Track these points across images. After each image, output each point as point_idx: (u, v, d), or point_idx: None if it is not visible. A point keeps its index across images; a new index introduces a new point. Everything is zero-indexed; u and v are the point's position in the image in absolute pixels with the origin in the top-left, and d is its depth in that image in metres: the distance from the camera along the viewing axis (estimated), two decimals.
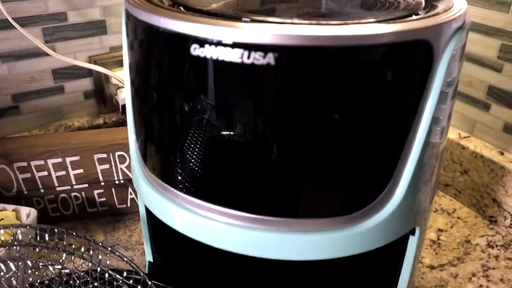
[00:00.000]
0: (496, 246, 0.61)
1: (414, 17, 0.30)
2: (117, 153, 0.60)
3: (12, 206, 0.57)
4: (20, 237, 0.37)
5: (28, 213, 0.57)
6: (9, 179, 0.59)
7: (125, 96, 0.38)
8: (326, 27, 0.26)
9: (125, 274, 0.36)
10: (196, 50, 0.27)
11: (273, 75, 0.26)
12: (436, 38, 0.29)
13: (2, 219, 0.54)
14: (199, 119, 0.31)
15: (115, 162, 0.61)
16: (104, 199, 0.64)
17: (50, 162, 0.59)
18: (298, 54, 0.26)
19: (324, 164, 0.30)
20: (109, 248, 0.36)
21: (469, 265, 0.58)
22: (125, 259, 0.36)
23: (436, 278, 0.56)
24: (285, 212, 0.31)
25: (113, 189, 0.63)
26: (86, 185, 0.62)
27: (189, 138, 0.32)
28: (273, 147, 0.30)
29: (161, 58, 0.30)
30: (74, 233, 0.36)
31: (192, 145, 0.32)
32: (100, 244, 0.36)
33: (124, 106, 0.70)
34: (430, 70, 0.30)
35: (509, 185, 0.61)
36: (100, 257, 0.36)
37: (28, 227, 0.37)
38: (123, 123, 0.73)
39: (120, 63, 0.70)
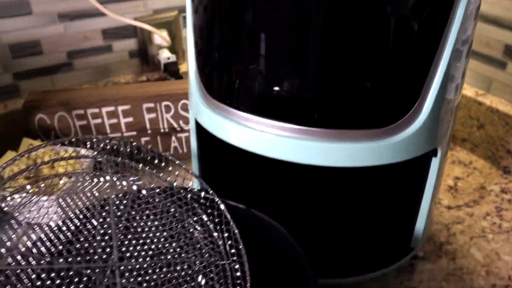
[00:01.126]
0: (510, 191, 0.66)
1: None
2: (163, 103, 0.67)
3: (72, 148, 0.64)
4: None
5: (86, 154, 0.64)
6: (67, 125, 0.66)
7: (187, 33, 0.44)
8: None
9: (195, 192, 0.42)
10: None
11: None
12: None
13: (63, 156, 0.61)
14: (253, 43, 0.37)
15: (161, 111, 0.67)
16: (150, 146, 0.70)
17: (104, 110, 0.66)
18: None
19: (364, 81, 0.36)
20: (183, 166, 0.42)
21: (484, 206, 0.63)
22: (197, 176, 0.42)
23: (453, 216, 0.61)
24: (330, 124, 0.37)
25: (158, 137, 0.70)
26: (135, 133, 0.69)
27: (245, 60, 0.38)
28: (318, 63, 0.36)
29: None
30: (154, 151, 0.43)
31: (248, 67, 0.39)
32: (177, 162, 0.42)
33: (165, 65, 0.77)
34: (447, 22, 0.35)
35: None
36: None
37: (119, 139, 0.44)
38: (164, 80, 0.79)
39: (161, 25, 0.76)
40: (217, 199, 0.41)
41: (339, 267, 0.48)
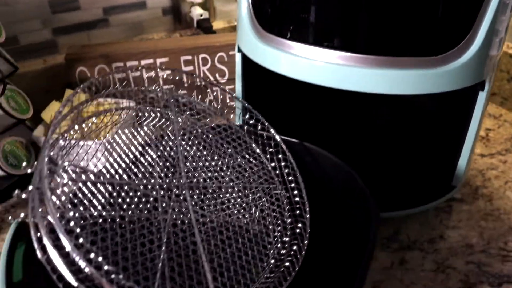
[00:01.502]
0: None
1: None
2: (201, 56, 0.68)
3: (113, 100, 0.66)
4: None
5: (127, 105, 0.65)
6: (107, 78, 0.68)
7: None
8: None
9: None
10: None
11: None
12: None
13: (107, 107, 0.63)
14: None
15: (198, 64, 0.69)
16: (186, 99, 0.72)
17: (143, 62, 0.67)
18: None
19: (419, 10, 0.37)
20: (247, 104, 0.44)
21: None
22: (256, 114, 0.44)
23: (487, 163, 0.63)
24: (388, 51, 0.38)
25: (194, 90, 0.71)
26: (172, 86, 0.70)
27: None
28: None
29: None
30: (227, 90, 0.44)
31: (301, 4, 0.40)
32: (240, 99, 0.44)
33: (198, 22, 0.78)
34: None
35: None
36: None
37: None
38: None
39: None
40: (272, 131, 0.43)
41: (384, 201, 0.49)
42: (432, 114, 0.48)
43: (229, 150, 0.44)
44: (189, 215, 0.35)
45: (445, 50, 0.39)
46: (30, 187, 0.31)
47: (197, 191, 0.38)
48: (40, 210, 0.31)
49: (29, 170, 0.32)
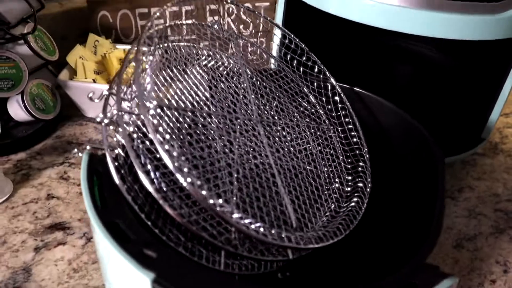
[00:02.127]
0: None
1: None
2: (226, 5, 0.66)
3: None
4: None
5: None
6: (130, 24, 0.66)
7: None
8: None
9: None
10: None
11: None
12: None
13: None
14: None
15: (223, 14, 0.67)
16: (210, 52, 0.70)
17: (167, 10, 0.65)
18: None
19: None
20: (304, 46, 0.43)
21: None
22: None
23: (503, 122, 0.66)
24: None
25: (217, 42, 0.70)
26: (195, 36, 0.69)
27: None
28: None
29: None
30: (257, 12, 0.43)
31: None
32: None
33: None
34: None
35: None
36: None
37: None
38: None
39: None
40: (328, 73, 0.43)
41: None
42: (474, 64, 0.50)
43: (288, 92, 0.44)
44: (263, 151, 0.35)
45: None
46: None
47: (268, 127, 0.38)
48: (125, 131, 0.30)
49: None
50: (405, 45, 0.44)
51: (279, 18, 0.53)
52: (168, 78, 0.36)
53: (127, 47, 0.63)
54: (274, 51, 0.48)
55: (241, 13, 0.44)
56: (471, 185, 0.54)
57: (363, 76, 0.50)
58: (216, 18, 0.44)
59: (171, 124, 0.32)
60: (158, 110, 0.29)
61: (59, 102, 0.58)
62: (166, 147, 0.27)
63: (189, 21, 0.42)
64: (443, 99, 0.53)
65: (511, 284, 0.43)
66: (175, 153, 0.27)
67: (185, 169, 0.26)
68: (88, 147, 0.34)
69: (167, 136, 0.28)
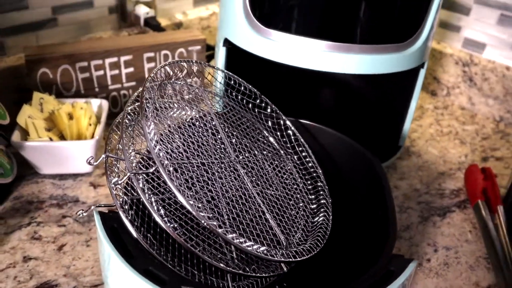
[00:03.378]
0: (439, 108, 0.86)
1: None
2: (162, 52, 0.72)
3: (83, 100, 0.66)
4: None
5: (99, 104, 0.66)
6: (70, 79, 0.68)
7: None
8: None
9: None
10: None
11: None
12: None
13: (82, 108, 0.64)
14: None
15: (160, 60, 0.72)
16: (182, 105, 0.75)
17: (107, 61, 0.69)
18: None
19: (387, 14, 0.49)
20: (256, 91, 0.50)
21: (427, 119, 0.82)
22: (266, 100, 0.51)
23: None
24: (359, 40, 0.49)
25: (153, 71, 0.75)
26: (134, 83, 0.73)
27: None
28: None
29: None
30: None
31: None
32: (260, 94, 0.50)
33: (145, 20, 0.80)
34: None
35: (445, 65, 0.86)
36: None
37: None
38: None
39: None
40: (279, 112, 0.51)
41: None
42: (387, 89, 0.61)
43: (249, 131, 0.50)
44: (244, 181, 0.42)
45: (407, 38, 0.52)
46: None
47: (244, 165, 0.45)
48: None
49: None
50: (334, 77, 0.53)
51: (220, 62, 0.60)
52: (164, 134, 0.40)
53: (72, 100, 0.65)
54: (232, 98, 0.55)
55: (205, 70, 0.50)
56: (396, 185, 0.66)
57: (303, 106, 0.59)
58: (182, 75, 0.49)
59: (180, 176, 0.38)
60: (171, 169, 0.34)
61: (15, 164, 0.58)
62: (184, 196, 0.32)
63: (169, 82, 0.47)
64: (368, 118, 0.64)
65: (441, 259, 0.54)
66: (192, 202, 0.32)
67: (205, 214, 0.32)
68: (93, 207, 0.37)
69: (183, 188, 0.33)
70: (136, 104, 0.45)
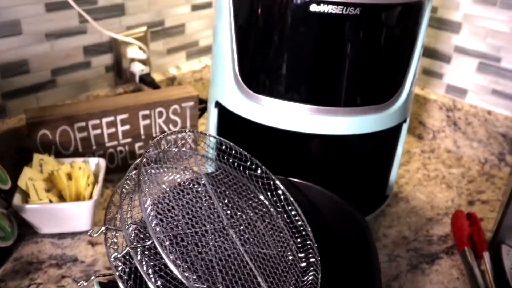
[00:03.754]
0: (426, 151, 0.89)
1: None
2: (157, 110, 0.75)
3: (81, 159, 0.69)
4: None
5: (97, 163, 0.69)
6: (69, 138, 0.71)
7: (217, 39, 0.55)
8: None
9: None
10: (313, 8, 0.46)
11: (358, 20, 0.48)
12: (425, 2, 0.53)
13: (80, 167, 0.66)
14: (291, 52, 0.51)
15: (155, 117, 0.75)
16: (142, 151, 0.78)
17: (104, 120, 0.72)
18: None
19: (369, 78, 0.52)
20: (247, 154, 0.53)
21: (414, 164, 0.85)
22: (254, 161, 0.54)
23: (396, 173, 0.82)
24: (343, 103, 0.53)
25: (150, 142, 0.77)
26: (130, 140, 0.76)
27: (283, 65, 0.52)
28: (335, 68, 0.51)
29: (279, 14, 0.49)
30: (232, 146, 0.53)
31: (284, 70, 0.52)
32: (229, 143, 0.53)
33: (140, 77, 0.84)
34: (421, 22, 0.54)
35: (430, 110, 0.89)
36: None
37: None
38: (139, 91, 0.86)
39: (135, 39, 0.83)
40: (269, 173, 0.53)
41: None
42: (372, 143, 0.64)
43: (240, 192, 0.53)
44: (236, 246, 0.44)
45: (388, 99, 0.55)
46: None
47: (235, 228, 0.47)
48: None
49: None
50: (321, 135, 0.56)
51: (212, 122, 0.63)
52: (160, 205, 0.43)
53: (71, 160, 0.68)
54: (224, 161, 0.58)
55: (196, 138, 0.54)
56: (386, 233, 0.68)
57: (292, 164, 0.62)
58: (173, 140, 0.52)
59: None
60: (167, 243, 0.36)
61: (16, 226, 0.60)
62: (179, 269, 0.35)
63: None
64: (355, 171, 0.67)
65: None
66: (187, 274, 0.35)
67: (200, 286, 0.34)
68: (93, 278, 0.39)
69: (178, 262, 0.35)
70: (133, 172, 0.48)
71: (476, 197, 0.77)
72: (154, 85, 0.83)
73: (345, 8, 0.46)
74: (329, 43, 0.50)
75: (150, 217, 0.38)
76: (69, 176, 0.65)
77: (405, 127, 0.61)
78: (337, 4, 0.46)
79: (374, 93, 0.54)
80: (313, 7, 0.46)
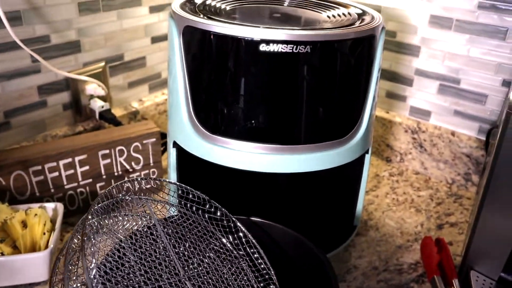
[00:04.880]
0: (395, 175, 0.89)
1: (363, 23, 0.53)
2: (117, 148, 0.73)
3: (37, 205, 0.66)
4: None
5: (54, 208, 0.66)
6: (24, 183, 0.67)
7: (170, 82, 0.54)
8: (331, 31, 0.47)
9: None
10: (263, 47, 0.45)
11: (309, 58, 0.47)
12: (377, 33, 0.52)
13: (36, 214, 0.63)
14: (245, 94, 0.50)
15: (115, 156, 0.73)
16: (104, 190, 0.75)
17: (61, 163, 0.69)
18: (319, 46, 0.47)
19: (325, 113, 0.52)
20: (205, 196, 0.51)
21: (383, 189, 0.84)
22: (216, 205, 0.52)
23: (366, 199, 0.81)
24: (302, 141, 0.52)
25: (112, 181, 0.75)
26: (91, 180, 0.73)
27: (237, 105, 0.50)
28: (291, 105, 0.50)
29: (230, 54, 0.48)
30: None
31: (238, 110, 0.51)
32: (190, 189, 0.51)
33: (100, 113, 0.82)
34: (375, 53, 0.53)
35: (396, 133, 0.90)
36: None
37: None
38: (99, 128, 0.84)
39: (92, 76, 0.81)
40: (229, 215, 0.52)
41: None
42: (335, 176, 0.63)
43: (199, 235, 0.51)
44: None
45: (347, 133, 0.54)
46: None
47: (192, 278, 0.45)
48: None
49: None
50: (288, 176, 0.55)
51: (172, 162, 0.61)
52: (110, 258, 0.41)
53: (26, 206, 0.65)
54: (182, 206, 0.56)
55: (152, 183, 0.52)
56: (355, 264, 0.67)
57: (255, 203, 0.60)
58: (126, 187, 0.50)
59: None
60: None
61: None
62: None
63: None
64: (320, 205, 0.66)
65: None
66: None
67: None
68: None
69: None
70: (81, 226, 0.46)
71: (444, 219, 0.77)
72: (115, 121, 0.81)
73: (295, 46, 0.45)
74: (282, 81, 0.49)
75: (95, 282, 0.35)
76: (24, 224, 0.62)
77: (367, 157, 0.61)
78: (287, 43, 0.45)
79: (333, 128, 0.54)
80: (263, 47, 0.46)
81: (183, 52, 0.52)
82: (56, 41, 0.74)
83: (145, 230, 0.47)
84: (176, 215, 0.51)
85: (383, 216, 0.77)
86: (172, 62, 0.54)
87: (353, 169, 0.62)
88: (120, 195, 0.48)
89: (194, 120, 0.54)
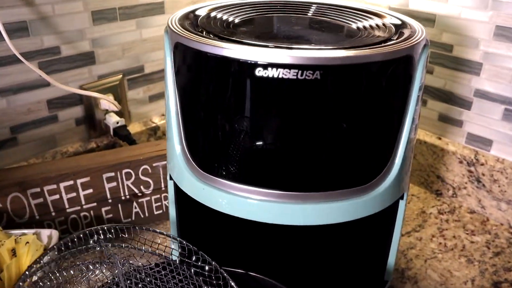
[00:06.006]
0: (445, 212, 0.76)
1: (399, 40, 0.42)
2: (124, 171, 0.66)
3: (32, 230, 0.61)
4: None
5: (49, 235, 0.61)
6: (22, 206, 0.63)
7: (167, 108, 0.46)
8: (349, 51, 0.37)
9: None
10: (260, 72, 0.36)
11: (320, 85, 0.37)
12: (416, 54, 0.41)
13: (28, 242, 0.58)
14: (242, 127, 0.41)
15: (122, 179, 0.67)
16: (111, 215, 0.69)
17: (62, 185, 0.64)
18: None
19: (348, 153, 0.41)
20: (185, 242, 0.43)
21: (428, 229, 0.72)
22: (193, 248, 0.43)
23: (406, 242, 0.69)
24: (315, 187, 0.41)
25: (119, 205, 0.69)
26: (95, 204, 0.67)
27: (234, 140, 0.41)
28: (299, 144, 0.40)
29: (223, 78, 0.39)
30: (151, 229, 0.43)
31: (236, 147, 0.42)
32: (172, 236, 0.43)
33: (114, 130, 0.76)
34: (412, 77, 0.42)
35: (448, 163, 0.76)
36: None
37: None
38: (114, 145, 0.78)
39: (107, 90, 0.76)
40: (220, 270, 0.43)
41: None
42: (359, 229, 0.52)
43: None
44: None
45: (372, 178, 0.43)
46: None
47: None
48: None
49: None
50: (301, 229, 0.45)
51: (170, 196, 0.53)
52: None
53: (20, 232, 0.60)
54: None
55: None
56: None
57: (259, 255, 0.51)
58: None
59: None
60: None
61: None
62: None
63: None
64: (342, 263, 0.55)
65: None
66: None
67: None
68: None
69: None
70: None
71: (503, 276, 0.63)
72: (129, 139, 0.75)
73: (300, 72, 0.36)
74: (286, 114, 0.39)
75: None
76: (14, 252, 0.57)
77: (402, 204, 0.49)
78: (289, 67, 0.35)
79: (354, 171, 0.43)
80: (259, 72, 0.36)
81: (174, 73, 0.43)
82: (67, 52, 0.69)
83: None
84: (150, 264, 0.43)
85: (425, 265, 0.64)
86: (166, 82, 0.46)
87: (384, 218, 0.51)
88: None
89: (186, 154, 0.45)
